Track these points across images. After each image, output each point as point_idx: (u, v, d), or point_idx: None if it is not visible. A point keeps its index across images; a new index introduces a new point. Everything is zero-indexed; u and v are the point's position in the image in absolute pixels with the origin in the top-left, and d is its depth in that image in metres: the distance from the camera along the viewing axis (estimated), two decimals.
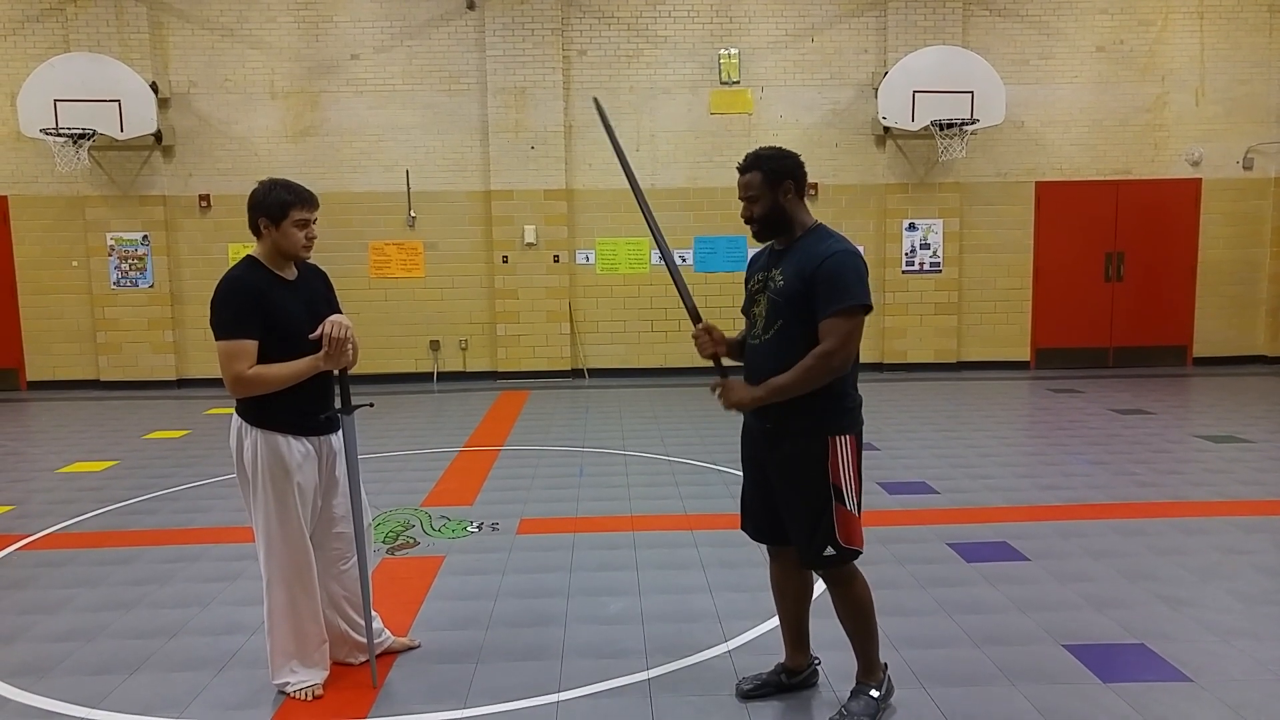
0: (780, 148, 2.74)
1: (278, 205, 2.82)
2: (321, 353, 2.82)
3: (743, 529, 2.91)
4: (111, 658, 3.24)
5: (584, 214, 9.92)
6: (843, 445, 2.60)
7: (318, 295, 2.98)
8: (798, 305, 2.57)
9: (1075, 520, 4.64)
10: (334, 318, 2.86)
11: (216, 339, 2.77)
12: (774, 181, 2.65)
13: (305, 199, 2.86)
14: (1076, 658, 3.10)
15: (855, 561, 2.68)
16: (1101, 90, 9.92)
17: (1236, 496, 5.07)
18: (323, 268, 3.13)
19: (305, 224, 2.86)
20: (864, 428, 2.70)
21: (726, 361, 2.79)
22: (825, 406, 2.59)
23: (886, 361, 9.89)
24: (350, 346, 2.87)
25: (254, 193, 2.87)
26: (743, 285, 2.92)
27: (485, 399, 8.91)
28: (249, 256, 2.90)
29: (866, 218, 9.77)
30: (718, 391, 2.66)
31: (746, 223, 2.73)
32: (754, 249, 2.92)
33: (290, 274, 2.93)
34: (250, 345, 2.75)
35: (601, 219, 9.92)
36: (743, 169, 2.71)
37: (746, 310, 2.79)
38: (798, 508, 2.63)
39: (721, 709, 2.82)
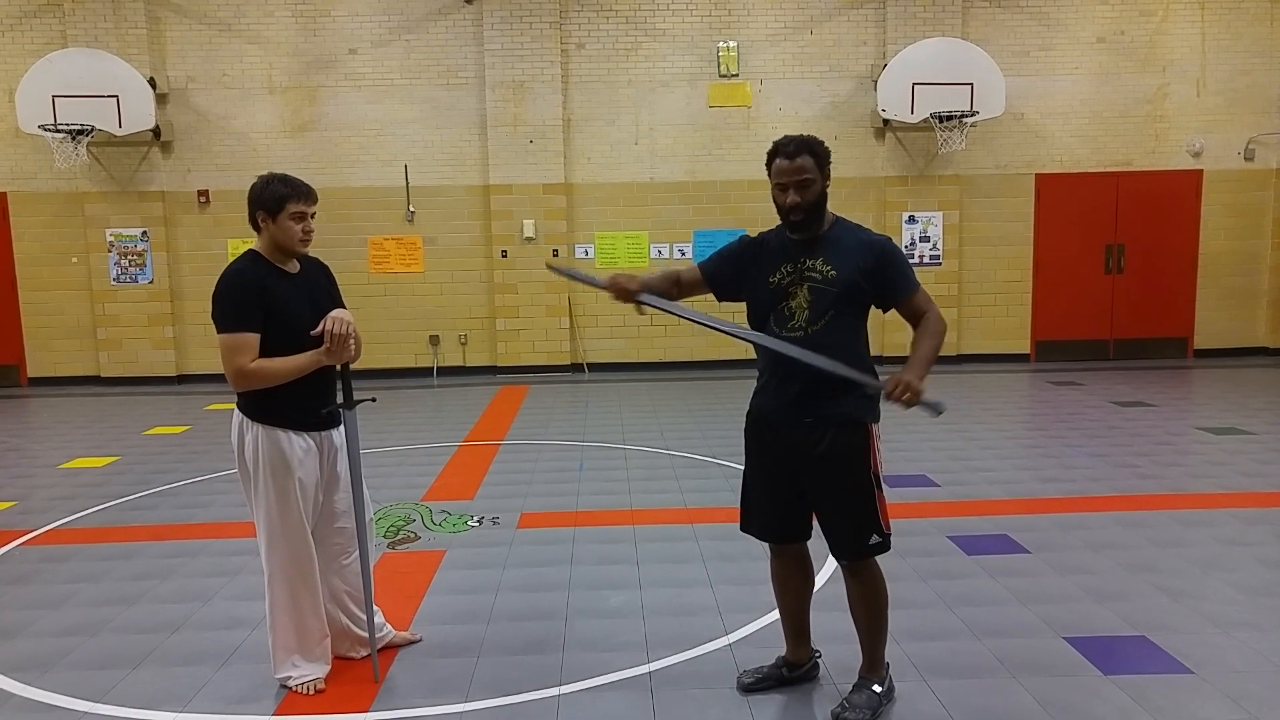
0: (814, 135, 2.69)
1: (274, 199, 2.81)
2: (324, 348, 2.82)
3: (744, 530, 2.85)
4: (114, 652, 3.25)
5: (583, 208, 9.91)
6: (876, 432, 2.65)
7: (320, 289, 2.98)
8: (853, 294, 2.60)
9: (1076, 513, 4.64)
10: (336, 313, 2.85)
11: (218, 333, 2.77)
12: (822, 166, 2.62)
13: (302, 192, 2.86)
14: (1077, 650, 3.10)
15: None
16: (1102, 81, 9.89)
17: (1238, 488, 5.06)
18: (327, 265, 3.13)
19: (302, 217, 2.85)
20: None
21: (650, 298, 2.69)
22: (864, 397, 2.61)
23: (886, 354, 9.84)
24: (353, 341, 2.87)
25: (252, 187, 2.87)
26: (728, 251, 2.80)
27: (485, 394, 8.91)
28: (250, 250, 2.90)
29: (866, 210, 9.74)
30: (897, 393, 2.44)
31: (791, 210, 2.59)
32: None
33: (292, 267, 2.93)
34: (252, 339, 2.75)
35: (600, 213, 9.91)
36: (792, 153, 2.57)
37: (769, 304, 2.66)
38: (844, 500, 2.63)
39: (722, 702, 2.82)
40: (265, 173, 2.92)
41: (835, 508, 2.65)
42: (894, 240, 2.74)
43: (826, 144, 2.69)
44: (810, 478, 2.66)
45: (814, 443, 2.61)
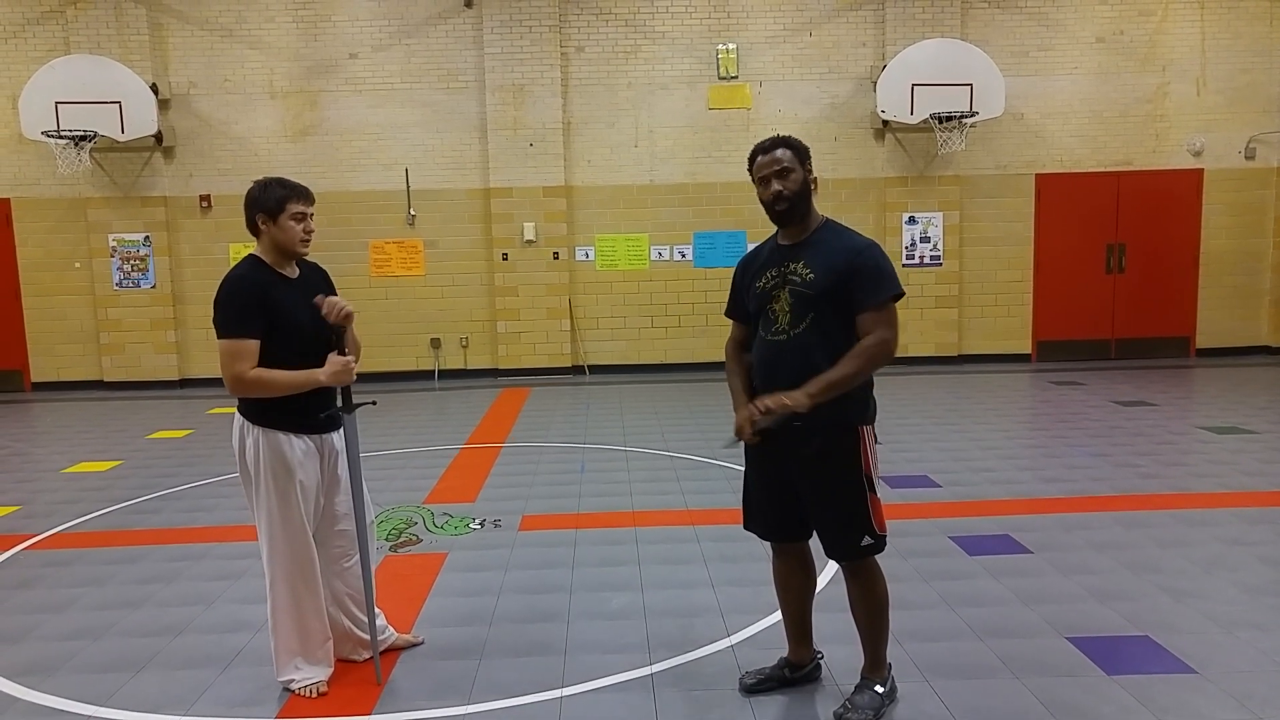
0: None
1: (274, 200, 2.84)
2: (324, 370, 2.81)
3: (746, 528, 2.88)
4: (118, 656, 3.26)
5: (583, 211, 9.92)
6: (868, 434, 2.64)
7: (319, 293, 3.00)
8: (831, 298, 2.58)
9: (1078, 513, 4.64)
10: (333, 299, 2.86)
11: (219, 338, 2.78)
12: (802, 160, 2.66)
13: (301, 193, 2.89)
14: (1080, 650, 3.10)
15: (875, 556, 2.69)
16: (1102, 81, 9.89)
17: (1240, 488, 5.06)
18: (323, 266, 3.14)
19: (302, 217, 2.87)
20: None
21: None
22: (855, 400, 2.61)
23: None
24: (353, 362, 2.87)
25: (250, 191, 2.89)
26: (732, 285, 2.88)
27: (486, 396, 8.92)
28: (251, 255, 2.91)
29: (866, 211, 9.75)
30: (762, 418, 2.50)
31: (774, 202, 2.64)
32: (754, 244, 2.91)
33: (292, 272, 2.94)
34: (251, 345, 2.76)
35: (601, 215, 9.92)
36: (768, 147, 2.67)
37: (757, 310, 2.73)
38: (834, 501, 2.63)
39: (724, 703, 2.82)
40: (262, 177, 2.94)
41: (827, 509, 2.66)
42: (879, 248, 2.64)
43: (813, 145, 2.73)
44: (801, 479, 2.67)
45: (803, 444, 2.61)
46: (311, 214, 2.92)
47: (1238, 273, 10.15)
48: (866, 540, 2.63)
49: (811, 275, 2.60)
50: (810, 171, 2.68)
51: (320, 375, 2.81)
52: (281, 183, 2.88)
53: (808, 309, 2.59)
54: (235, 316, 2.76)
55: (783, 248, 2.72)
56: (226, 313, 2.78)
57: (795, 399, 2.50)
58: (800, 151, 2.67)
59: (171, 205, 9.71)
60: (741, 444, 2.74)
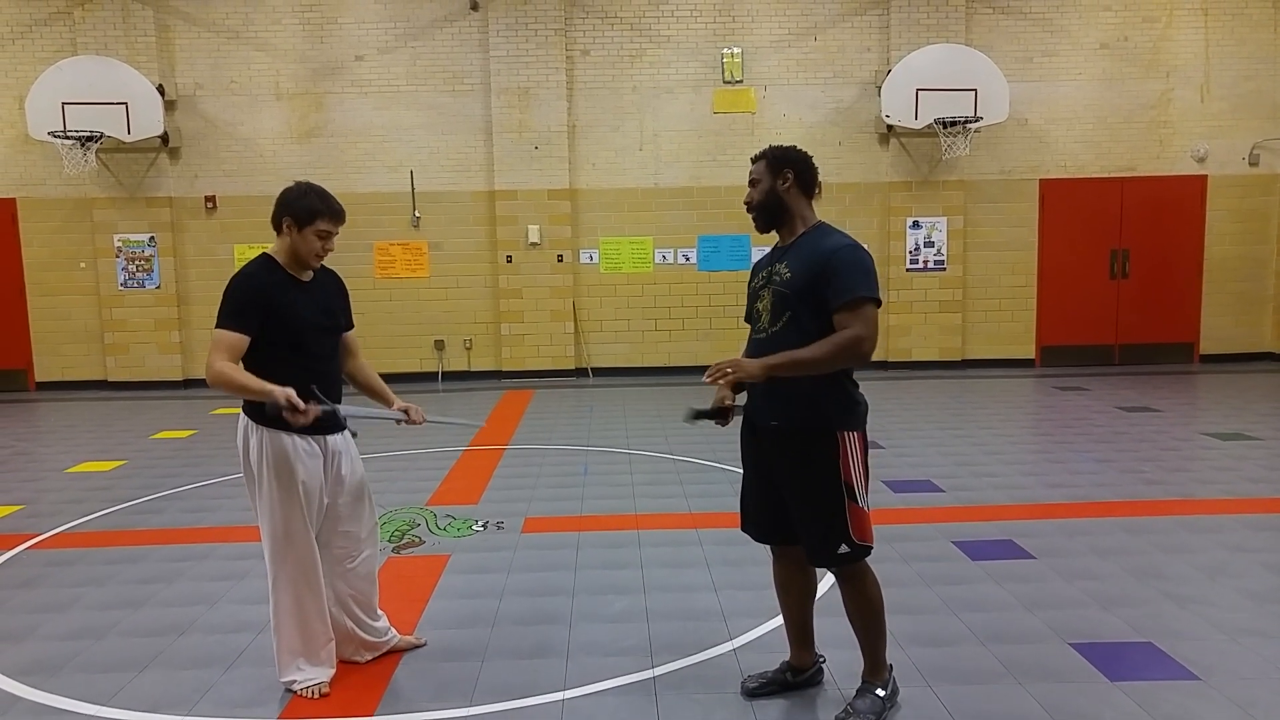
0: (795, 146, 2.79)
1: (306, 210, 2.85)
2: (280, 390, 2.64)
3: (743, 530, 2.89)
4: (120, 656, 3.26)
5: (588, 213, 9.94)
6: (851, 442, 2.61)
7: (330, 298, 3.03)
8: (806, 297, 2.58)
9: (1081, 518, 4.63)
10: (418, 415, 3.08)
11: (215, 327, 2.82)
12: (775, 168, 2.71)
13: (335, 212, 2.90)
14: (1083, 656, 3.09)
15: (864, 560, 2.68)
16: (1106, 87, 9.89)
17: (1244, 494, 5.05)
18: (339, 274, 3.16)
19: (327, 235, 2.90)
20: (869, 426, 2.71)
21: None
22: (833, 403, 2.60)
23: (891, 360, 9.87)
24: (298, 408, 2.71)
25: (287, 190, 2.91)
26: (745, 288, 2.95)
27: (490, 398, 8.93)
28: (266, 255, 2.93)
29: (870, 216, 9.76)
30: (721, 376, 2.52)
31: (747, 210, 2.80)
32: (758, 249, 2.95)
33: (306, 276, 2.96)
34: (236, 339, 2.78)
35: (605, 218, 9.93)
36: (754, 159, 2.81)
37: (750, 311, 2.81)
38: (810, 507, 2.63)
39: (726, 707, 2.82)
40: (304, 180, 2.96)
41: (804, 514, 2.65)
42: (859, 249, 2.60)
43: (803, 153, 2.74)
44: (784, 484, 2.67)
45: (782, 447, 2.63)
46: (336, 234, 2.93)
47: (1241, 279, 10.14)
48: (843, 549, 2.60)
49: (789, 275, 2.63)
50: (785, 181, 2.70)
51: (275, 391, 2.65)
52: (321, 196, 2.89)
53: (785, 308, 2.62)
54: (232, 310, 2.80)
55: (777, 250, 2.78)
56: (226, 305, 2.82)
57: (750, 368, 2.53)
58: (775, 161, 2.71)
59: (177, 206, 9.74)
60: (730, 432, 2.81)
